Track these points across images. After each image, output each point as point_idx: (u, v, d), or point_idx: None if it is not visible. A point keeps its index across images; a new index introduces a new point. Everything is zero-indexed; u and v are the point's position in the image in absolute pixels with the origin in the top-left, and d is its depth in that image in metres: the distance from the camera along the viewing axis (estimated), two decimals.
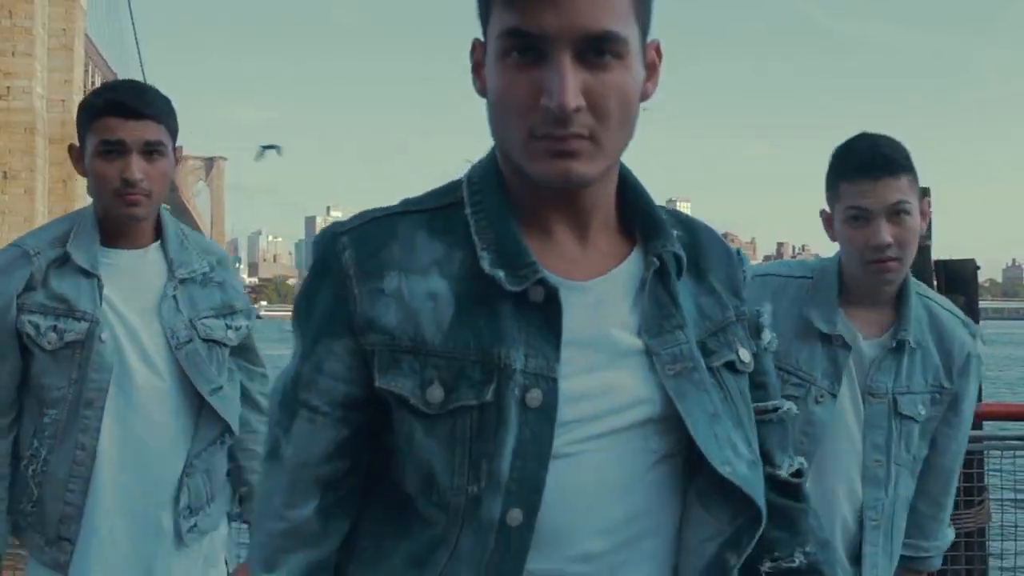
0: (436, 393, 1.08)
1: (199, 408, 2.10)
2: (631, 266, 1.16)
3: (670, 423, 1.12)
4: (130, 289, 2.10)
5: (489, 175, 1.16)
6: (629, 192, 1.18)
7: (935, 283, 7.07)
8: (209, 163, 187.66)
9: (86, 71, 67.83)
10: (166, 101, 2.12)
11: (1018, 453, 4.81)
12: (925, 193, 2.17)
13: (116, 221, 2.12)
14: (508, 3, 1.05)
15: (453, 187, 1.16)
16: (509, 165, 1.13)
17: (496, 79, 1.09)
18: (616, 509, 1.11)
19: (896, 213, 2.02)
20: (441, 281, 1.11)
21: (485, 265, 1.09)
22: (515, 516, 1.07)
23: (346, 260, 1.11)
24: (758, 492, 1.13)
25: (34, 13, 58.28)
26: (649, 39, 1.13)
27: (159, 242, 2.16)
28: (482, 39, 1.13)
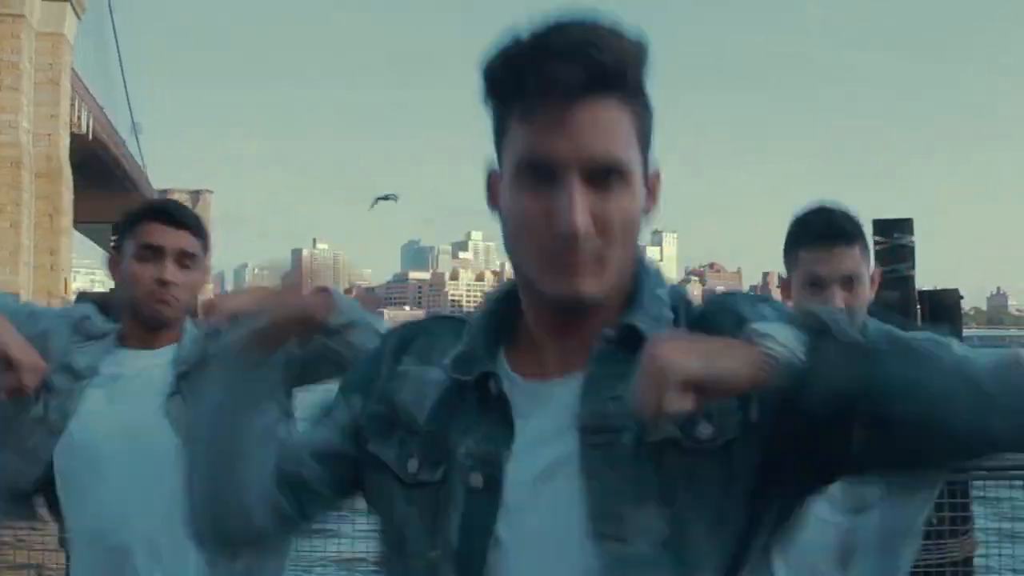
0: (413, 464, 1.20)
1: None
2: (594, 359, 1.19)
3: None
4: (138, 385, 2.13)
5: (503, 297, 1.27)
6: (634, 290, 1.21)
7: (919, 312, 7.14)
8: (195, 196, 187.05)
9: (72, 105, 67.94)
10: (201, 220, 2.23)
11: (1000, 483, 4.89)
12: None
13: (144, 321, 2.16)
14: (523, 134, 1.13)
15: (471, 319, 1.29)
16: (520, 278, 1.21)
17: (511, 202, 1.16)
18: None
19: (849, 280, 2.14)
20: (440, 372, 1.23)
21: (448, 363, 1.22)
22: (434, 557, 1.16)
23: (388, 345, 1.29)
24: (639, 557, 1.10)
25: (21, 48, 58.72)
26: (651, 165, 1.20)
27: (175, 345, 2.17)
28: (496, 167, 1.21)
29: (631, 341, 1.14)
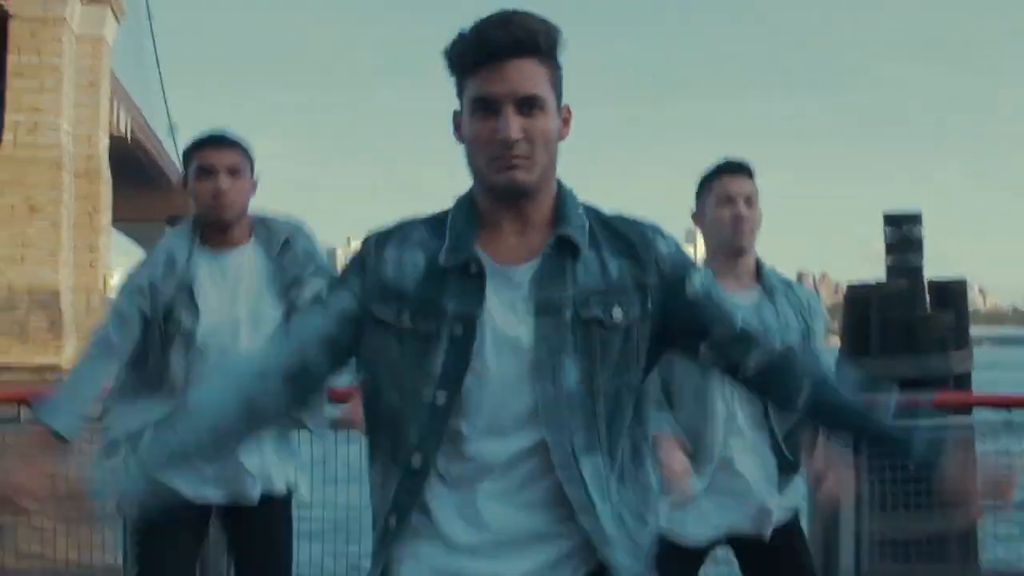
0: (405, 319, 1.69)
1: None
2: (542, 255, 1.73)
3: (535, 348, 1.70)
4: (231, 278, 2.72)
5: (465, 200, 1.77)
6: (559, 202, 1.75)
7: (928, 301, 7.55)
8: None
9: (111, 107, 68.96)
10: (244, 140, 2.80)
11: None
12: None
13: (212, 224, 2.75)
14: (474, 84, 1.68)
15: (447, 209, 1.78)
16: (478, 186, 1.73)
17: (469, 128, 1.70)
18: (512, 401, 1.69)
19: (748, 200, 2.85)
20: (422, 256, 1.72)
21: (442, 253, 1.70)
22: (440, 397, 1.67)
23: (370, 243, 1.77)
24: (566, 397, 1.67)
25: (62, 51, 59.73)
26: (563, 104, 1.75)
27: (253, 239, 2.77)
28: (459, 109, 1.74)
29: (565, 245, 1.71)
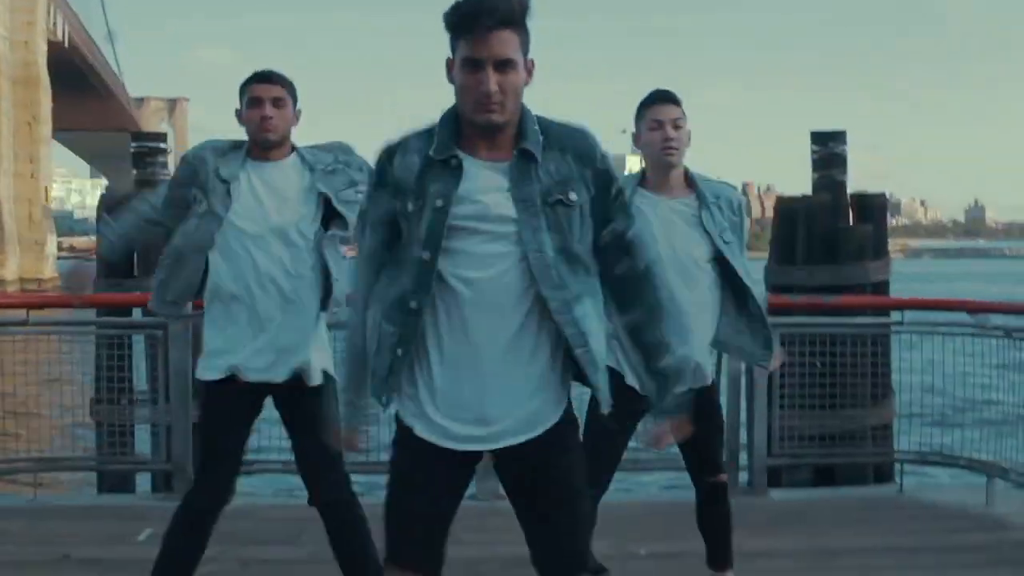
0: (409, 204, 2.29)
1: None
2: (511, 160, 2.32)
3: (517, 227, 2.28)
4: (275, 183, 3.26)
5: (450, 115, 2.32)
6: (520, 121, 2.31)
7: (850, 214, 7.98)
8: (172, 104, 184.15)
9: (48, 13, 67.19)
10: (288, 79, 3.33)
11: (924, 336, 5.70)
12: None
13: (259, 144, 3.26)
14: (465, 46, 2.24)
15: (434, 123, 2.33)
16: (463, 116, 2.31)
17: (459, 77, 2.27)
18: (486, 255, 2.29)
19: (676, 124, 3.35)
20: (418, 159, 2.29)
21: (432, 150, 2.29)
22: (426, 255, 2.26)
23: (383, 155, 2.36)
24: (545, 261, 2.27)
25: None
26: (528, 58, 2.30)
27: (295, 154, 3.32)
28: (451, 56, 2.29)
29: (526, 155, 2.28)
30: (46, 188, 66.46)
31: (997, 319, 5.24)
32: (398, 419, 2.37)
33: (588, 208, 2.32)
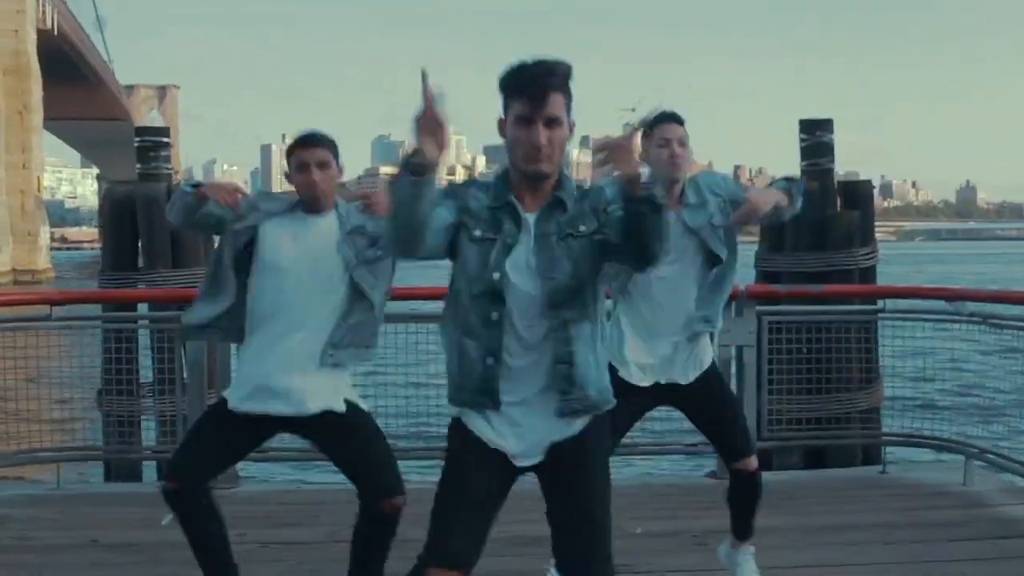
0: (478, 231, 2.65)
1: (352, 297, 3.52)
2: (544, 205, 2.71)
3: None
4: (309, 232, 3.55)
5: (504, 174, 2.71)
6: (560, 178, 2.71)
7: (838, 201, 8.19)
8: (162, 91, 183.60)
9: (37, 2, 67.07)
10: (330, 138, 3.61)
11: (907, 323, 5.97)
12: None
13: (308, 202, 3.57)
14: (519, 105, 2.58)
15: (493, 179, 2.74)
16: (516, 164, 2.67)
17: (512, 132, 2.61)
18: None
19: (681, 143, 3.69)
20: (484, 197, 2.69)
21: (491, 196, 2.70)
22: (496, 275, 2.64)
23: (456, 184, 2.75)
24: (561, 286, 2.64)
25: None
26: (571, 120, 2.65)
27: (334, 210, 3.60)
28: (503, 114, 2.65)
29: (559, 203, 2.67)
30: (38, 178, 66.43)
31: (973, 306, 5.50)
32: (461, 425, 2.72)
33: (599, 235, 2.67)
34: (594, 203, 2.69)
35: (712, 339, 3.86)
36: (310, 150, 3.52)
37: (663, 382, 3.71)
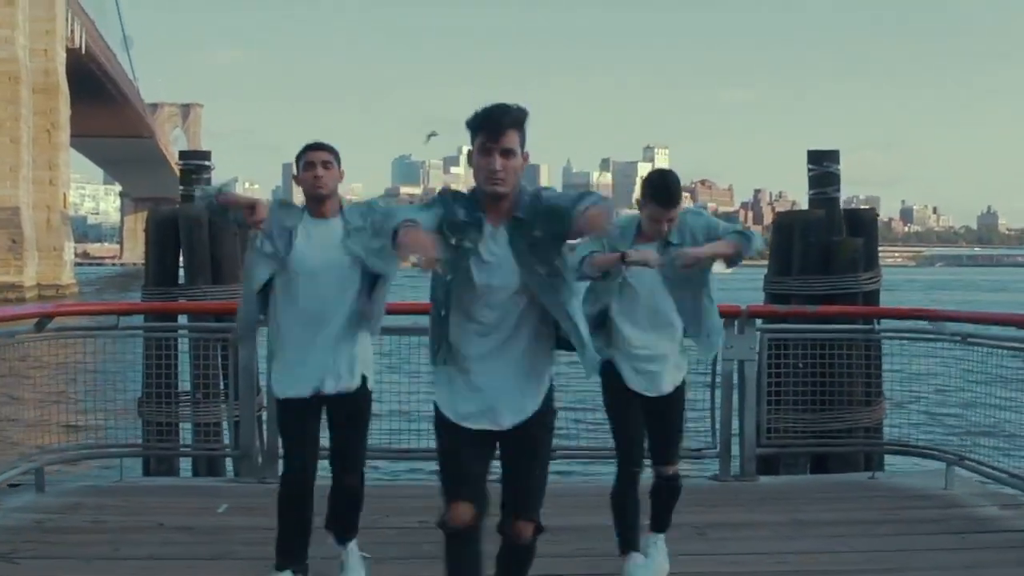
0: (454, 238, 3.19)
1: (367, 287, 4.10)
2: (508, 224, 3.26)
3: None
4: (322, 237, 4.12)
5: (473, 194, 3.27)
6: (516, 195, 3.25)
7: (844, 228, 8.63)
8: (185, 110, 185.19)
9: (67, 22, 68.29)
10: (333, 147, 4.20)
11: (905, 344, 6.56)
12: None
13: (313, 199, 4.16)
14: (481, 136, 3.19)
15: (466, 192, 3.33)
16: (479, 185, 3.23)
17: (476, 159, 3.21)
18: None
19: (669, 220, 4.21)
20: (463, 211, 3.23)
21: (461, 212, 3.23)
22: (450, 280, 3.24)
23: (442, 196, 3.32)
24: (542, 281, 3.25)
25: None
26: (524, 150, 3.26)
27: (340, 214, 4.18)
28: (471, 146, 3.23)
29: (518, 222, 3.22)
30: (64, 194, 67.44)
31: (953, 326, 6.02)
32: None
33: (560, 237, 3.27)
34: (557, 206, 3.21)
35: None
36: (316, 152, 4.13)
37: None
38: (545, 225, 3.20)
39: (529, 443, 3.32)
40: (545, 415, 3.33)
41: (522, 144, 3.23)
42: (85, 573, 4.37)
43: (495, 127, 3.17)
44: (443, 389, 3.32)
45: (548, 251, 3.22)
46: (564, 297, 3.28)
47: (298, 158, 4.18)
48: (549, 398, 3.35)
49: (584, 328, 3.33)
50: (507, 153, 3.17)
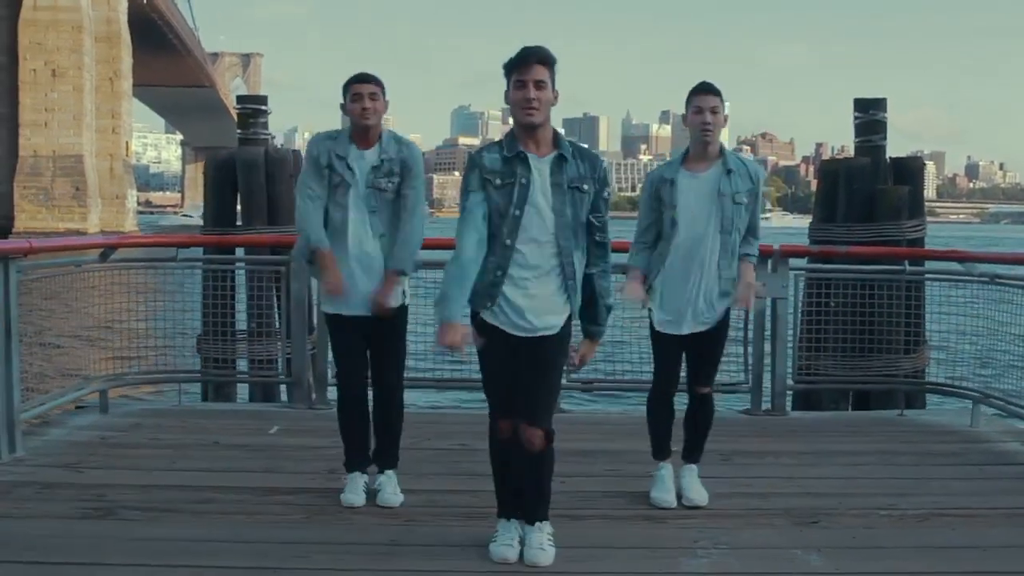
0: (497, 180, 3.63)
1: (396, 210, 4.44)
2: (552, 156, 3.68)
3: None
4: (364, 167, 4.45)
5: (511, 133, 3.69)
6: (556, 138, 3.68)
7: (890, 176, 8.64)
8: (246, 59, 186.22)
9: None
10: (379, 78, 4.48)
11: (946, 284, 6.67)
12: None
13: (359, 129, 4.43)
14: (516, 72, 3.59)
15: (502, 139, 3.74)
16: (515, 119, 3.67)
17: (511, 94, 3.61)
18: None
19: (714, 110, 4.34)
20: (498, 155, 3.65)
21: (505, 149, 3.66)
22: (517, 212, 3.62)
23: (475, 156, 3.73)
24: (566, 223, 3.65)
25: None
26: (555, 89, 3.66)
27: (379, 143, 4.46)
28: (507, 87, 3.62)
29: (562, 158, 3.66)
30: (127, 143, 68.48)
31: (983, 267, 6.11)
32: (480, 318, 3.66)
33: (591, 197, 3.67)
34: (591, 170, 3.63)
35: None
36: (362, 85, 4.39)
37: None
38: (576, 172, 3.60)
39: (548, 354, 3.62)
40: (566, 332, 3.68)
41: (552, 81, 3.58)
42: (143, 481, 4.69)
43: (527, 61, 3.54)
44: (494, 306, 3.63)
45: (577, 201, 3.60)
46: (574, 245, 3.62)
47: (345, 89, 4.44)
48: (570, 320, 3.70)
49: (579, 283, 3.67)
50: (539, 85, 3.53)
